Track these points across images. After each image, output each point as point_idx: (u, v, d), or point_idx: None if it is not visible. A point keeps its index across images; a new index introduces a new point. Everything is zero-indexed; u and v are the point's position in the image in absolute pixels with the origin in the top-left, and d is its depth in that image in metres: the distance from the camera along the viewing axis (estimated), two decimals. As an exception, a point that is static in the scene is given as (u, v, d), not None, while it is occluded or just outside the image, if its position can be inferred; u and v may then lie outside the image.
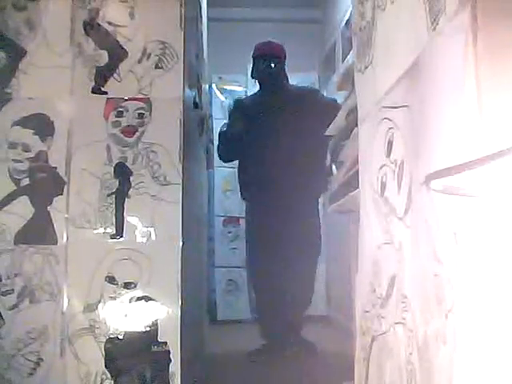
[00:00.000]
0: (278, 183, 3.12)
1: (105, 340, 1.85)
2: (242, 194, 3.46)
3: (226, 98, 4.80)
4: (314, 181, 3.16)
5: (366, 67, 1.46)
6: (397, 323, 1.16)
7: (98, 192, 1.93)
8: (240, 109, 3.43)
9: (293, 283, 3.12)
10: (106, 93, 1.99)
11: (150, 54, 2.00)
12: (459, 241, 0.84)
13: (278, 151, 3.12)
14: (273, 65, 3.34)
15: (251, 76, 3.50)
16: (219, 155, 3.50)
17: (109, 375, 1.84)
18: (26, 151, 1.95)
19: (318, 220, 3.35)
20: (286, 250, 3.11)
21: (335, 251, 3.43)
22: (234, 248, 4.57)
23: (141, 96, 1.99)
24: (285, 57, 3.42)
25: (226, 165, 4.52)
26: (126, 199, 1.93)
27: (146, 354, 1.85)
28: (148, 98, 1.98)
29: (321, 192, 3.31)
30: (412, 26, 1.09)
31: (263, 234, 3.19)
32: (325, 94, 4.15)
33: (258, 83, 3.50)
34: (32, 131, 1.96)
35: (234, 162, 3.57)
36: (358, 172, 1.56)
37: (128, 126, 1.97)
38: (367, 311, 1.41)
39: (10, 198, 1.92)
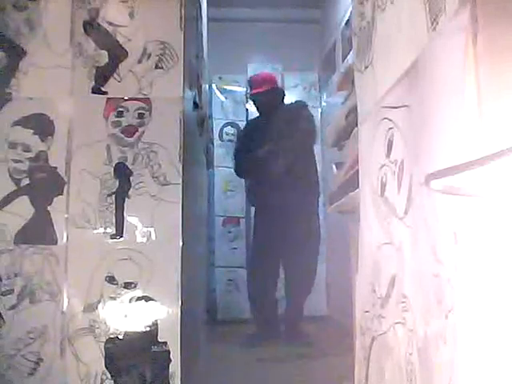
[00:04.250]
0: (281, 189, 3.42)
1: (105, 340, 1.85)
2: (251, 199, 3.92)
3: (225, 98, 4.79)
4: (309, 185, 3.56)
5: (366, 67, 1.46)
6: (397, 323, 1.16)
7: (98, 192, 1.93)
8: (245, 134, 3.86)
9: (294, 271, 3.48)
10: (106, 93, 1.99)
11: (150, 54, 2.00)
12: (459, 241, 0.84)
13: (278, 165, 3.46)
14: (270, 96, 3.64)
15: (251, 100, 3.88)
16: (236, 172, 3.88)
17: (109, 375, 1.84)
18: (26, 151, 1.95)
19: (316, 217, 3.64)
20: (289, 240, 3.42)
21: (335, 251, 3.44)
22: (234, 248, 4.57)
23: (141, 96, 1.99)
24: (277, 82, 3.82)
25: (226, 165, 4.54)
26: (126, 199, 1.93)
27: (145, 354, 1.84)
28: (148, 98, 1.98)
29: (317, 194, 3.67)
30: (412, 25, 1.09)
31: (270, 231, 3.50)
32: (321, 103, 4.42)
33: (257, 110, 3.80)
34: (32, 131, 1.96)
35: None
36: (358, 172, 1.56)
37: (128, 125, 1.97)
38: (367, 311, 1.41)
39: (10, 198, 1.92)
